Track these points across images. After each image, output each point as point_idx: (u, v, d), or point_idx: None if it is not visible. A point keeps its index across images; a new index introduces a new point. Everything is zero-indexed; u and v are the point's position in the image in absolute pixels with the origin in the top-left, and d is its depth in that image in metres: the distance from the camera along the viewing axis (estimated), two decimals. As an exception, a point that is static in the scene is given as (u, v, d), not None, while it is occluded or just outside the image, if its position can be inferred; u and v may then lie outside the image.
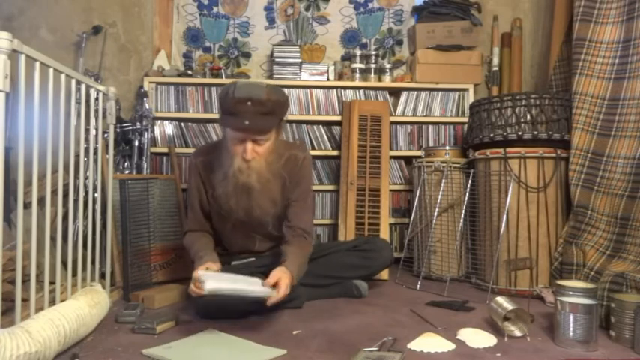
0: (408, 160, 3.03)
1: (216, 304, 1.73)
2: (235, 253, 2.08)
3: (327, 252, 2.16)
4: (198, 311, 1.82)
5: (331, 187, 2.98)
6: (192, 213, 1.99)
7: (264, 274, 2.00)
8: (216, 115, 2.92)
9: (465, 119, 2.93)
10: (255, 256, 2.06)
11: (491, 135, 2.30)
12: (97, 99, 1.90)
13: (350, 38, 3.28)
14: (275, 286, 1.64)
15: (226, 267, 1.98)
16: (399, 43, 3.30)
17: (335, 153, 2.98)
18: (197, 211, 1.98)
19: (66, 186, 1.77)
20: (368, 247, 2.17)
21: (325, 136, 3.03)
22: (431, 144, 3.05)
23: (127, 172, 2.71)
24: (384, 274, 2.45)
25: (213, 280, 1.53)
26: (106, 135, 2.33)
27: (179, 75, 2.95)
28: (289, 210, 1.94)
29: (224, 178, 1.83)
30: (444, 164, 2.53)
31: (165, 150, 2.88)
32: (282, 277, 1.65)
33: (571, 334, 1.47)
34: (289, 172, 1.94)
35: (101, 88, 1.92)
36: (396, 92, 3.11)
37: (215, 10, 3.21)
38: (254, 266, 2.01)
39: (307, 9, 3.25)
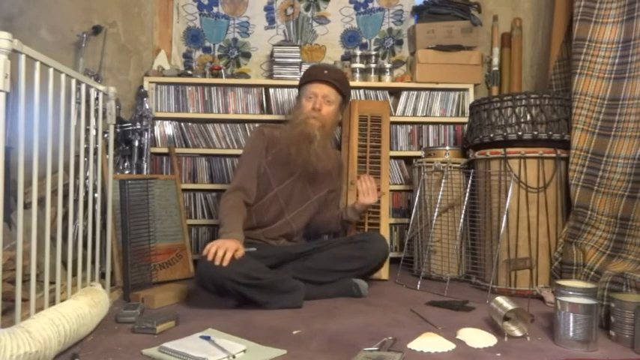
0: (408, 160, 3.03)
1: (214, 279, 1.83)
2: (260, 226, 2.24)
3: (323, 248, 2.20)
4: (197, 279, 1.91)
5: (331, 187, 2.98)
6: (247, 169, 2.20)
7: (270, 266, 2.04)
8: (216, 115, 2.94)
9: (465, 119, 2.93)
10: (256, 247, 2.09)
11: (491, 135, 2.30)
12: (97, 99, 1.91)
13: (350, 38, 3.28)
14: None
15: None
16: (399, 43, 3.30)
17: (335, 153, 2.98)
18: (253, 168, 2.19)
19: (66, 186, 1.76)
20: (362, 239, 2.22)
21: (325, 136, 3.02)
22: (431, 144, 3.05)
23: (127, 172, 2.71)
24: (384, 274, 2.45)
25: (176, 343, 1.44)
26: (106, 135, 2.33)
27: (179, 75, 2.95)
28: (332, 200, 2.42)
29: (291, 129, 2.21)
30: (444, 164, 2.53)
31: (165, 150, 2.88)
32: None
33: (571, 334, 1.47)
34: (332, 164, 2.36)
35: (101, 88, 1.92)
36: (396, 92, 3.11)
37: (215, 10, 3.21)
38: (253, 256, 2.03)
39: (307, 9, 3.25)
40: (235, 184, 2.16)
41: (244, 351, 1.40)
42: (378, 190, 2.30)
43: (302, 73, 3.05)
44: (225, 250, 1.81)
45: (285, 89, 2.97)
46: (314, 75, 2.28)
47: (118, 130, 2.68)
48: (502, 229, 2.18)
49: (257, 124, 2.80)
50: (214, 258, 1.79)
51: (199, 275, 1.87)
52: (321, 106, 2.22)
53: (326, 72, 2.28)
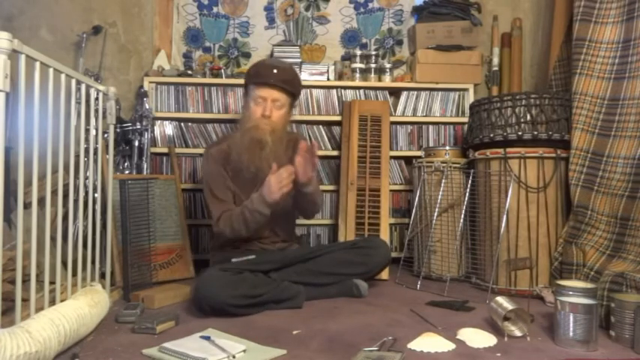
0: (408, 160, 3.03)
1: (212, 304, 1.77)
2: (253, 239, 2.15)
3: (326, 251, 2.18)
4: (195, 305, 1.84)
5: (331, 187, 2.98)
6: (218, 200, 2.10)
7: (264, 272, 2.02)
8: (216, 115, 2.94)
9: (465, 119, 2.93)
10: (256, 254, 2.08)
11: (491, 135, 2.30)
12: (97, 99, 1.91)
13: (350, 38, 3.28)
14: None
15: (227, 263, 2.00)
16: (399, 43, 3.30)
17: (335, 153, 2.98)
18: (223, 196, 2.10)
19: (66, 186, 1.76)
20: (365, 245, 2.20)
21: (325, 136, 3.03)
22: (431, 144, 3.05)
23: (127, 172, 2.71)
24: (384, 274, 2.45)
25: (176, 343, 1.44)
26: (106, 135, 2.33)
27: (179, 75, 2.95)
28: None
29: (241, 136, 2.10)
30: (444, 164, 2.53)
31: (165, 150, 2.88)
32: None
33: (571, 334, 1.47)
34: (292, 154, 2.13)
35: (101, 88, 1.92)
36: (396, 92, 3.11)
37: (215, 10, 3.21)
38: (254, 264, 2.03)
39: (307, 9, 3.25)
40: (217, 214, 2.06)
41: (244, 351, 1.40)
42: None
43: (300, 72, 3.07)
44: (281, 181, 1.89)
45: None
46: (262, 76, 2.07)
47: (118, 130, 2.68)
48: (502, 229, 2.18)
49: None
50: (210, 285, 1.77)
51: (197, 303, 1.81)
52: (272, 112, 2.06)
53: (275, 71, 2.06)
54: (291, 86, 2.11)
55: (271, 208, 1.98)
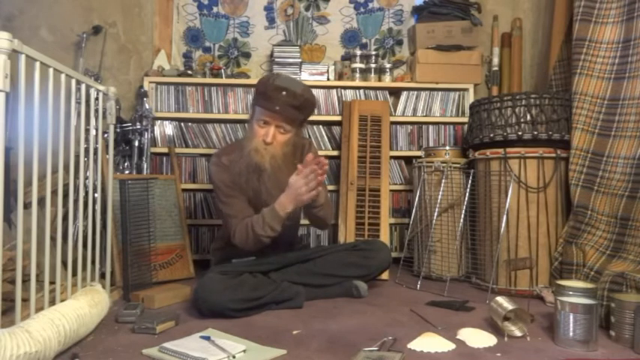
0: (408, 160, 3.03)
1: (210, 305, 1.76)
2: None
3: (326, 252, 2.17)
4: (195, 309, 1.83)
5: (331, 187, 2.98)
6: (235, 209, 1.99)
7: (263, 273, 2.03)
8: (216, 115, 2.94)
9: (465, 119, 2.93)
10: (256, 255, 2.08)
11: (491, 135, 2.30)
12: (97, 99, 1.91)
13: (350, 38, 3.28)
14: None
15: (227, 264, 2.00)
16: (399, 43, 3.30)
17: (335, 153, 2.98)
18: (238, 207, 1.99)
19: (66, 186, 1.76)
20: (366, 247, 2.19)
21: (325, 136, 3.03)
22: (431, 144, 3.05)
23: (127, 172, 2.71)
24: (384, 274, 2.45)
25: (175, 343, 1.44)
26: (106, 135, 2.33)
27: (179, 75, 2.95)
28: None
29: (240, 157, 1.99)
30: (444, 164, 2.53)
31: (165, 150, 2.88)
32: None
33: (571, 334, 1.47)
34: (300, 158, 2.06)
35: (101, 88, 1.92)
36: (396, 92, 3.11)
37: (215, 10, 3.21)
38: (254, 264, 2.03)
39: (307, 9, 3.25)
40: (234, 227, 1.97)
41: (244, 351, 1.40)
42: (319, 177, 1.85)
43: (300, 72, 3.06)
44: (305, 189, 1.80)
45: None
46: (268, 100, 1.87)
47: (118, 130, 2.68)
48: (502, 229, 2.18)
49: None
50: (210, 290, 1.75)
51: (197, 307, 1.80)
52: (274, 137, 1.91)
53: (284, 94, 1.86)
54: (299, 113, 1.93)
55: (283, 222, 1.90)
